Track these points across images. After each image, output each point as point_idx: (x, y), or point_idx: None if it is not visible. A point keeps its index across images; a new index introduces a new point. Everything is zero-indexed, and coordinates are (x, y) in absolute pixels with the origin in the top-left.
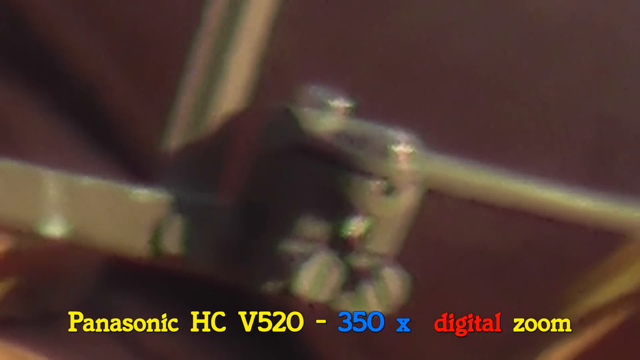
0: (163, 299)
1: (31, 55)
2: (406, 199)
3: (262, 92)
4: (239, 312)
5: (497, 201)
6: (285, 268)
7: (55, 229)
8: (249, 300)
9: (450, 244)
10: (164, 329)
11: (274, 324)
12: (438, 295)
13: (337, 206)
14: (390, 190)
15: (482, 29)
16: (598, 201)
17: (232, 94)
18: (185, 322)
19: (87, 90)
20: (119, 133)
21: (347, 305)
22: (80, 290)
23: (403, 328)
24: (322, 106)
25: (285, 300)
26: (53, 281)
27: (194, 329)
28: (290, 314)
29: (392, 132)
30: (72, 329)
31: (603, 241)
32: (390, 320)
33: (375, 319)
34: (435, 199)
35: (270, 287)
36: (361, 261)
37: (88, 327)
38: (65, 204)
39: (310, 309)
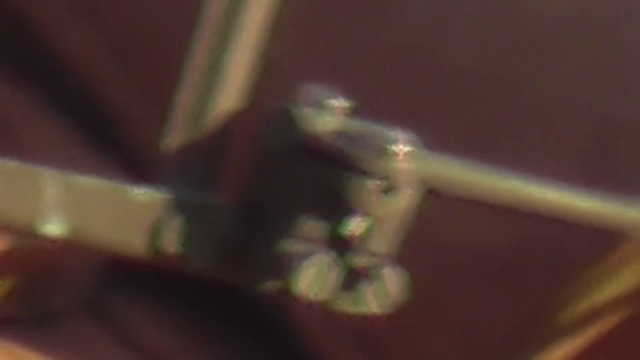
0: (162, 298)
1: (30, 54)
2: (405, 199)
3: (261, 92)
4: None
5: (496, 201)
6: (284, 267)
7: (54, 228)
8: (249, 300)
9: (450, 243)
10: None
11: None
12: (437, 295)
13: (336, 206)
14: (389, 190)
15: (481, 29)
16: (597, 201)
17: (231, 93)
18: (184, 321)
19: (86, 90)
20: (118, 132)
21: (346, 305)
22: (79, 289)
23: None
24: (321, 106)
25: (285, 300)
26: (52, 281)
27: (194, 328)
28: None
29: (390, 132)
30: (72, 328)
31: (602, 241)
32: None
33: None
34: (434, 199)
35: (269, 286)
36: (360, 261)
37: (87, 326)
38: (64, 203)
39: (310, 309)
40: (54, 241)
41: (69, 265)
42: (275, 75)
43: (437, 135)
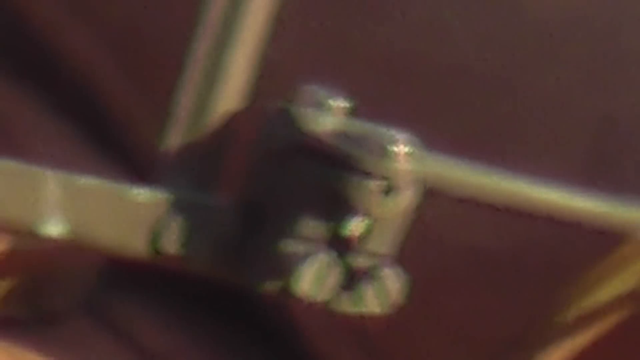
0: (163, 299)
1: (30, 55)
2: (405, 199)
3: (262, 92)
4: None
5: (496, 201)
6: (284, 268)
7: (54, 228)
8: (249, 300)
9: (449, 243)
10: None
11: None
12: (437, 295)
13: (336, 206)
14: (389, 190)
15: (480, 29)
16: (597, 201)
17: (231, 93)
18: (185, 322)
19: (86, 90)
20: (118, 133)
21: (346, 305)
22: (79, 290)
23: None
24: (321, 106)
25: (285, 300)
26: (52, 281)
27: (194, 328)
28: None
29: (390, 132)
30: (72, 329)
31: (602, 241)
32: (389, 319)
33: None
34: (434, 199)
35: (270, 286)
36: (360, 261)
37: (87, 327)
38: (64, 203)
39: (310, 309)
40: (54, 241)
41: (69, 265)
42: (276, 76)
43: (437, 136)
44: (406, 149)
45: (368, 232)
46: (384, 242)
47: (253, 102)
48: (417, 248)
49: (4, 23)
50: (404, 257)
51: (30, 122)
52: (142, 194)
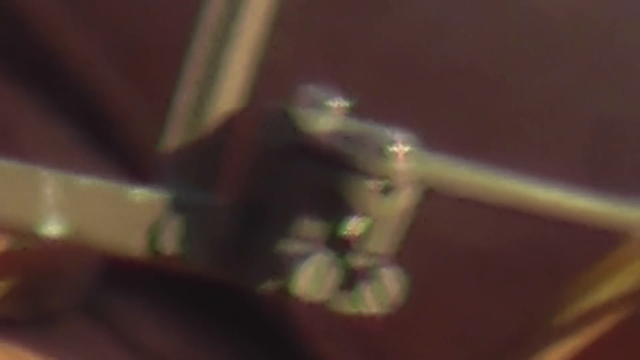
0: (161, 299)
1: (30, 56)
2: (404, 199)
3: (260, 92)
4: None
5: (495, 201)
6: (283, 268)
7: (53, 229)
8: (247, 300)
9: (448, 243)
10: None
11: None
12: (435, 295)
13: (334, 206)
14: (387, 190)
15: (480, 28)
16: (596, 201)
17: (230, 93)
18: (183, 321)
19: (85, 90)
20: (117, 133)
21: (344, 305)
22: (78, 290)
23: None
24: (320, 106)
25: (284, 300)
26: (51, 281)
27: (192, 329)
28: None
29: (389, 132)
30: (71, 329)
31: (601, 241)
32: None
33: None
34: (433, 199)
35: (268, 286)
36: (359, 261)
37: (86, 327)
38: (63, 204)
39: (309, 309)
40: (53, 241)
41: (67, 265)
42: (275, 76)
43: (436, 136)
44: (405, 149)
45: (367, 232)
46: (382, 242)
47: (252, 102)
48: (416, 248)
49: (4, 24)
50: (402, 257)
51: (29, 122)
52: (141, 194)
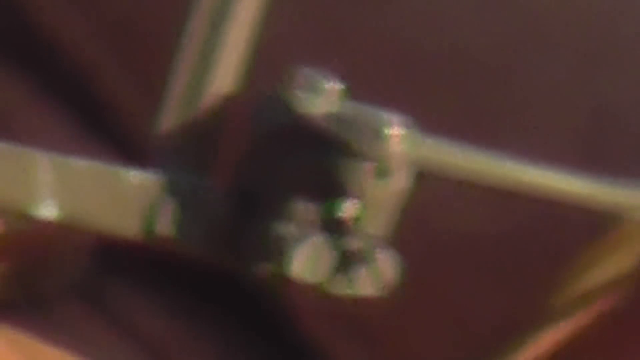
0: (159, 284)
1: (24, 40)
2: (399, 182)
3: (255, 75)
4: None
5: (491, 184)
6: (278, 250)
7: (48, 211)
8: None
9: (442, 227)
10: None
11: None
12: (431, 279)
13: (329, 188)
14: (382, 173)
15: (476, 15)
16: (591, 183)
17: (225, 76)
18: (180, 307)
19: (79, 74)
20: (112, 116)
21: (339, 287)
22: (73, 273)
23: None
24: (315, 89)
25: (280, 285)
26: (46, 264)
27: (189, 314)
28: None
29: (384, 115)
30: (66, 314)
31: (596, 223)
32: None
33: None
34: (427, 182)
35: (263, 269)
36: (354, 243)
37: (82, 312)
38: (58, 186)
39: (306, 297)
40: (48, 224)
41: (61, 249)
42: (269, 59)
43: (431, 119)
44: (400, 131)
45: (361, 214)
46: (377, 225)
47: (246, 85)
48: (411, 232)
49: None
50: (397, 241)
51: (23, 106)
52: (136, 177)
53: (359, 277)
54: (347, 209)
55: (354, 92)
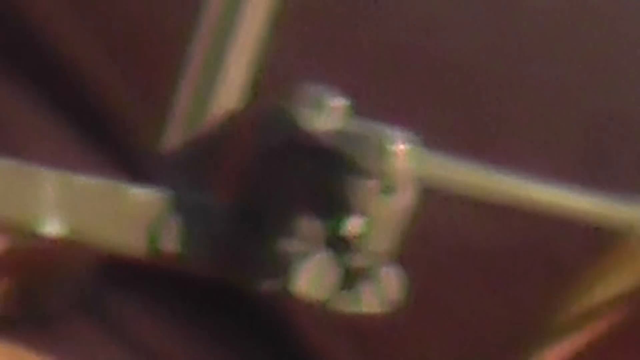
0: (160, 298)
1: (27, 52)
2: (404, 198)
3: (260, 91)
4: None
5: (495, 200)
6: (283, 267)
7: (52, 228)
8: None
9: (447, 242)
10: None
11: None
12: (435, 295)
13: (334, 205)
14: (387, 189)
15: (477, 24)
16: (595, 199)
17: (230, 92)
18: (181, 320)
19: (84, 88)
20: (117, 131)
21: (344, 305)
22: (77, 289)
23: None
24: (320, 105)
25: (283, 300)
26: (50, 281)
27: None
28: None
29: (389, 131)
30: (68, 327)
31: (600, 239)
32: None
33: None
34: (432, 198)
35: (268, 286)
36: (359, 261)
37: (84, 325)
38: (62, 203)
39: (308, 309)
40: (52, 241)
41: (65, 265)
42: (274, 75)
43: (434, 133)
44: (405, 147)
45: (366, 231)
46: (382, 242)
47: (251, 101)
48: (415, 247)
49: (0, 20)
50: (402, 257)
51: (27, 120)
52: (140, 193)
53: (363, 294)
54: (352, 225)
55: (356, 107)
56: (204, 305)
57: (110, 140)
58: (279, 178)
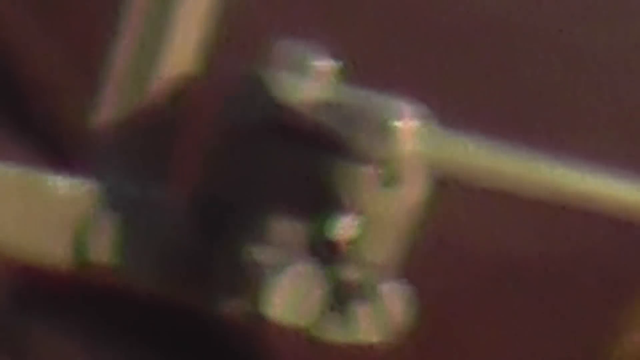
0: (92, 324)
1: None
2: (411, 192)
3: (222, 51)
4: (192, 338)
5: (530, 194)
6: (253, 282)
7: None
8: (205, 323)
9: (471, 250)
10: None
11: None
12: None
13: (320, 201)
14: (389, 180)
15: None
16: None
17: (180, 53)
18: (120, 351)
19: None
20: (37, 107)
21: (332, 332)
22: None
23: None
24: (302, 69)
25: (252, 325)
26: None
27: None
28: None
29: (392, 103)
30: None
31: None
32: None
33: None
34: (450, 191)
35: (233, 307)
36: (351, 273)
37: None
38: None
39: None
40: None
41: None
42: (241, 30)
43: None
44: (412, 124)
45: (362, 235)
46: (382, 249)
47: (210, 65)
48: (428, 256)
49: None
50: (409, 269)
51: None
52: (65, 185)
53: (357, 318)
54: (343, 228)
55: (351, 72)
56: (150, 331)
57: (30, 118)
58: (248, 166)
